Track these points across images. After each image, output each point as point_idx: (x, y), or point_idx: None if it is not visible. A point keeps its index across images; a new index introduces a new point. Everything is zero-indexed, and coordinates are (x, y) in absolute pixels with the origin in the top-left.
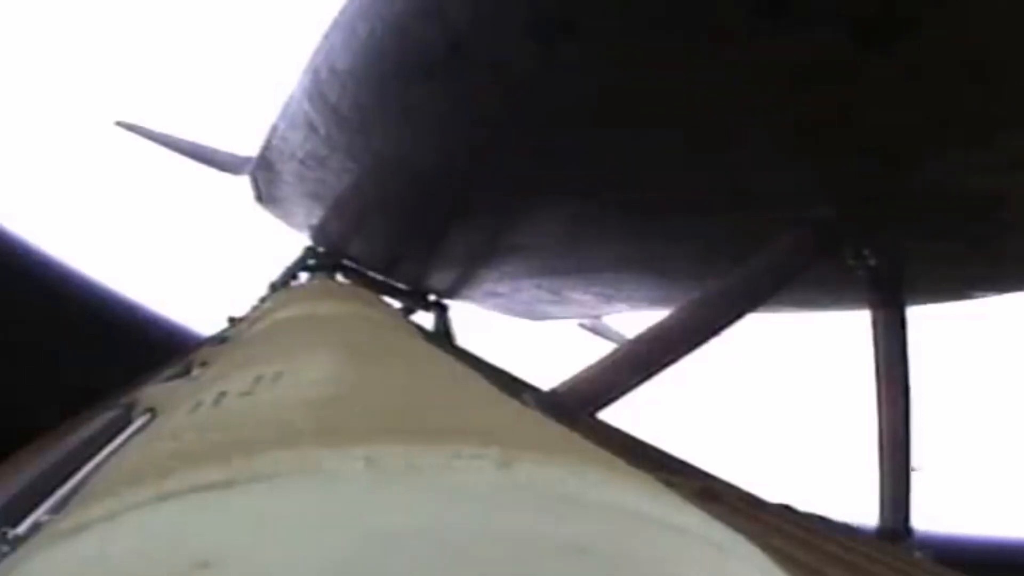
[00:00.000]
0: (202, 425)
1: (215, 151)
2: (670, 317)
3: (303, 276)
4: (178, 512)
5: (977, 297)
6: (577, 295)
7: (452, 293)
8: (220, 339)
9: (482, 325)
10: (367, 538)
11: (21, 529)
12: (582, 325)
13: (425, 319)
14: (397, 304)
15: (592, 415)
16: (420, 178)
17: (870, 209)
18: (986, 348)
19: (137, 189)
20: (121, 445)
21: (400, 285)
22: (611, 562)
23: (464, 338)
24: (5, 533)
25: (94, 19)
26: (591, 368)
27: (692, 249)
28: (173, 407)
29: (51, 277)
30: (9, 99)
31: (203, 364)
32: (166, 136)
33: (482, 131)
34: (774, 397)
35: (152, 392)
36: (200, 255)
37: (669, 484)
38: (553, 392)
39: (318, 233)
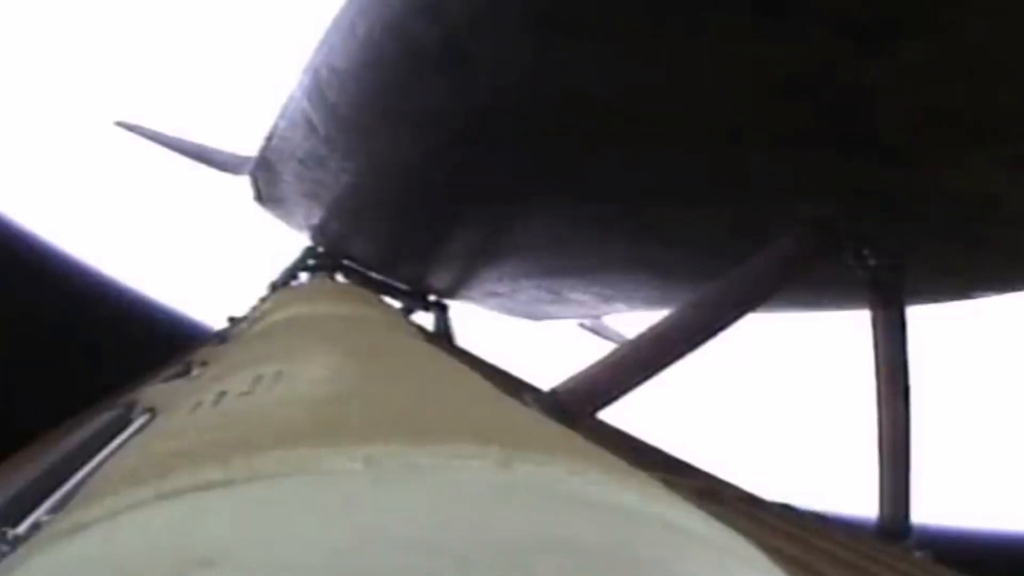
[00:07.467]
0: (202, 425)
1: (215, 151)
2: (670, 317)
3: (303, 276)
4: (178, 511)
5: (977, 297)
6: (577, 295)
7: (452, 293)
8: (220, 339)
9: (482, 325)
10: (367, 538)
11: (21, 529)
12: (582, 325)
13: (425, 319)
14: (397, 304)
15: (592, 415)
16: (419, 178)
17: (870, 209)
18: (986, 348)
19: (136, 189)
20: (121, 445)
21: (400, 285)
22: (611, 562)
23: (464, 338)
24: (5, 533)
25: (94, 19)
26: (591, 368)
27: (692, 249)
28: (173, 407)
29: (52, 277)
30: (10, 99)
31: (203, 364)
32: (166, 136)
33: (481, 130)
34: (774, 397)
35: (152, 392)
36: (200, 255)
37: (669, 484)
38: (553, 392)
39: (318, 233)
